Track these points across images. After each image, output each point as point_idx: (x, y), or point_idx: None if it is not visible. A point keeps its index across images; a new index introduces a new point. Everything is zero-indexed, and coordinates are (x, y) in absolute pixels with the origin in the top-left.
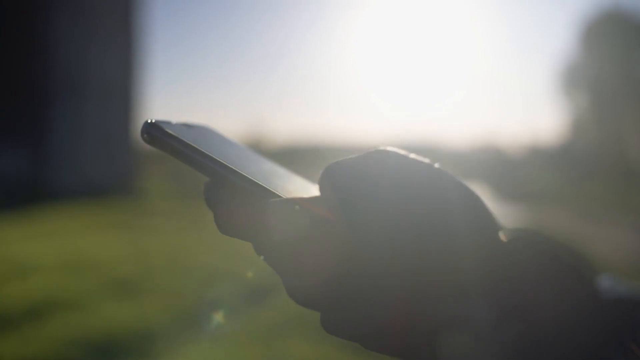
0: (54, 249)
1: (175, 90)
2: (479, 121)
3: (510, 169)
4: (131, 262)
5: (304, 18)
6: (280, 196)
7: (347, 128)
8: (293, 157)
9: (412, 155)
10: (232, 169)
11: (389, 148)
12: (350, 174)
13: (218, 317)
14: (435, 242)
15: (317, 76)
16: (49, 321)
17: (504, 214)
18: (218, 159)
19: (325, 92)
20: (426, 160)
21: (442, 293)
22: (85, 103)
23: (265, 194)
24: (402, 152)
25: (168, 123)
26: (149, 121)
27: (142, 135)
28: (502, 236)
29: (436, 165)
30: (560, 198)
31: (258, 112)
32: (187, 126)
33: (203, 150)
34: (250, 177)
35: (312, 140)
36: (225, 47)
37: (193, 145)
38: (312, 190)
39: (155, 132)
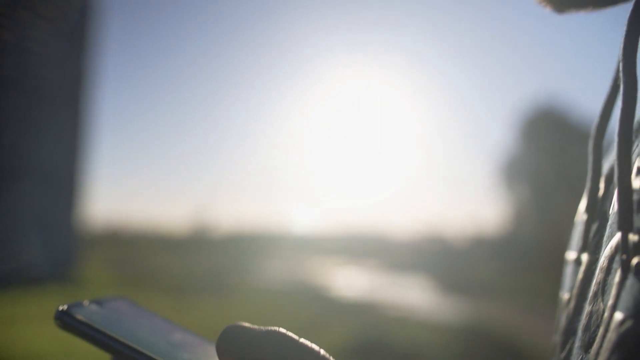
0: None
1: (121, 175)
2: (424, 212)
3: (454, 259)
4: None
5: (249, 108)
6: None
7: (293, 216)
8: (239, 244)
9: (302, 340)
10: (136, 349)
11: (284, 331)
12: (245, 347)
13: None
14: None
15: (264, 164)
16: None
17: (447, 306)
18: (123, 341)
19: (273, 180)
20: (315, 347)
21: None
22: (29, 188)
23: None
24: (294, 336)
25: (80, 306)
26: (60, 309)
27: (55, 322)
28: None
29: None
30: (503, 290)
31: (204, 198)
32: (101, 305)
33: (109, 333)
34: (152, 356)
35: (257, 227)
36: (173, 134)
37: (100, 329)
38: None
39: (66, 318)
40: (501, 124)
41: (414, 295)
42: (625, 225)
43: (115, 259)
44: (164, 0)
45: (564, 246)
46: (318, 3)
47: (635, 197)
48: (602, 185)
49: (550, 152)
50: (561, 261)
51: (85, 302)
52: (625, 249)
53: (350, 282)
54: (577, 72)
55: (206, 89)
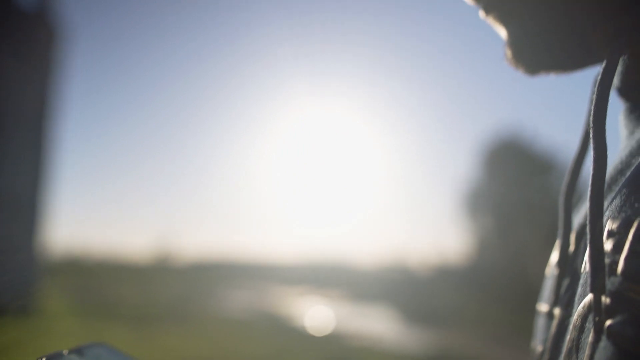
0: None
1: (83, 202)
2: (387, 240)
3: (417, 288)
4: None
5: (214, 137)
6: None
7: (256, 244)
8: (202, 273)
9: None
10: None
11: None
12: None
13: None
14: None
15: (229, 193)
16: None
17: (411, 336)
18: None
19: (237, 209)
20: None
21: None
22: None
23: None
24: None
25: (60, 357)
26: None
27: None
28: None
29: None
30: (466, 320)
31: (167, 226)
32: (81, 354)
33: None
34: None
35: (221, 256)
36: (137, 161)
37: None
38: None
39: None
40: (465, 154)
41: (378, 325)
42: (597, 287)
43: (76, 287)
44: (126, 30)
45: (526, 277)
46: (283, 34)
47: (606, 259)
48: (572, 241)
49: (513, 182)
50: (523, 292)
51: (65, 352)
52: (597, 311)
53: (315, 311)
54: (540, 103)
55: (170, 117)
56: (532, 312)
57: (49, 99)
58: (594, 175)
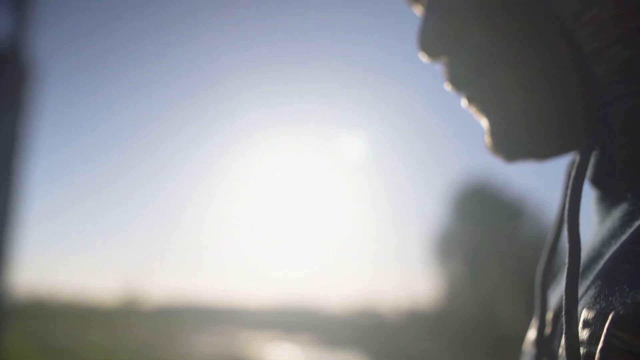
0: None
1: (49, 243)
2: (357, 285)
3: (387, 334)
4: None
5: (179, 180)
6: None
7: (225, 287)
8: (170, 317)
9: None
10: None
11: None
12: None
13: None
14: None
15: (196, 236)
16: None
17: None
18: None
19: (205, 253)
20: None
21: None
22: None
23: None
24: None
25: None
26: None
27: None
28: None
29: None
30: None
31: (134, 269)
32: None
33: None
34: None
35: (190, 299)
36: (105, 203)
37: None
38: None
39: None
40: (435, 199)
41: None
42: None
43: (40, 330)
44: (97, 73)
45: (495, 322)
46: (250, 81)
47: (582, 349)
48: (549, 321)
49: (482, 227)
50: (493, 338)
51: None
52: None
53: (283, 357)
54: None
55: (138, 160)
56: (501, 358)
57: (18, 140)
58: (569, 269)
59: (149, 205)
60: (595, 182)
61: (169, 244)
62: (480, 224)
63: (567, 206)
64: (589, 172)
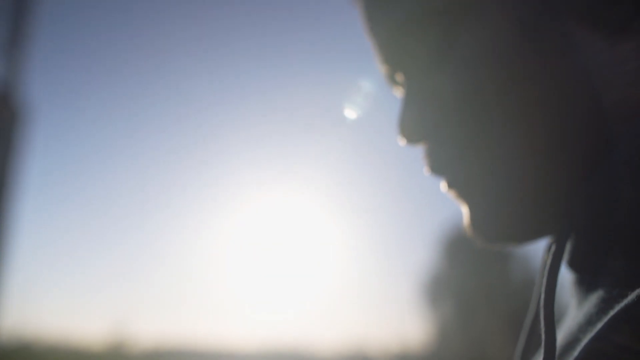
0: None
1: (34, 283)
2: (346, 328)
3: None
4: None
5: (168, 222)
6: None
7: (213, 331)
8: None
9: None
10: None
11: None
12: None
13: None
14: None
15: (185, 278)
16: None
17: None
18: None
19: (191, 293)
20: None
21: None
22: None
23: None
24: None
25: None
26: None
27: None
28: None
29: None
30: None
31: (122, 312)
32: None
33: None
34: None
35: (178, 343)
36: (92, 242)
37: None
38: None
39: None
40: (424, 242)
41: None
42: None
43: None
44: (89, 116)
45: None
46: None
47: None
48: None
49: (472, 270)
50: None
51: None
52: None
53: None
54: None
55: (127, 202)
56: None
57: (9, 180)
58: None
59: (138, 247)
60: (572, 266)
61: (157, 287)
62: (470, 266)
63: (542, 296)
64: (566, 256)
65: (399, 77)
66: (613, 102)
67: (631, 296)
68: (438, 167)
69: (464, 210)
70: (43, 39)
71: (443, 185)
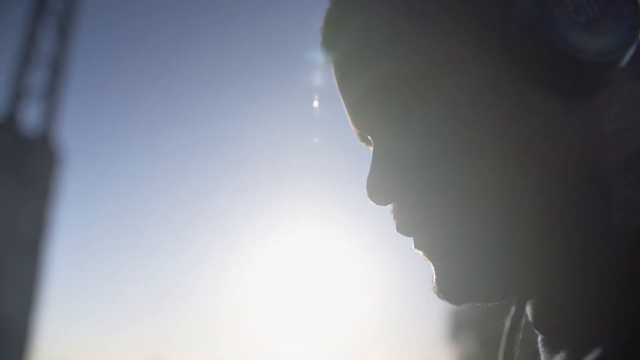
0: None
1: (72, 326)
2: None
3: None
4: None
5: (201, 260)
6: None
7: None
8: None
9: None
10: None
11: None
12: None
13: None
14: None
15: (217, 313)
16: None
17: None
18: None
19: (225, 329)
20: None
21: None
22: None
23: None
24: None
25: None
26: None
27: None
28: None
29: None
30: None
31: (157, 349)
32: None
33: None
34: None
35: None
36: (128, 283)
37: None
38: None
39: None
40: None
41: None
42: None
43: None
44: (119, 157)
45: None
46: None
47: None
48: None
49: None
50: None
51: None
52: None
53: None
54: None
55: (160, 241)
56: None
57: (45, 222)
58: None
59: (168, 286)
60: (538, 327)
61: (190, 323)
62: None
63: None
64: (532, 318)
65: (369, 138)
66: (573, 164)
67: None
68: (404, 228)
69: (432, 269)
70: (75, 87)
71: (413, 244)
